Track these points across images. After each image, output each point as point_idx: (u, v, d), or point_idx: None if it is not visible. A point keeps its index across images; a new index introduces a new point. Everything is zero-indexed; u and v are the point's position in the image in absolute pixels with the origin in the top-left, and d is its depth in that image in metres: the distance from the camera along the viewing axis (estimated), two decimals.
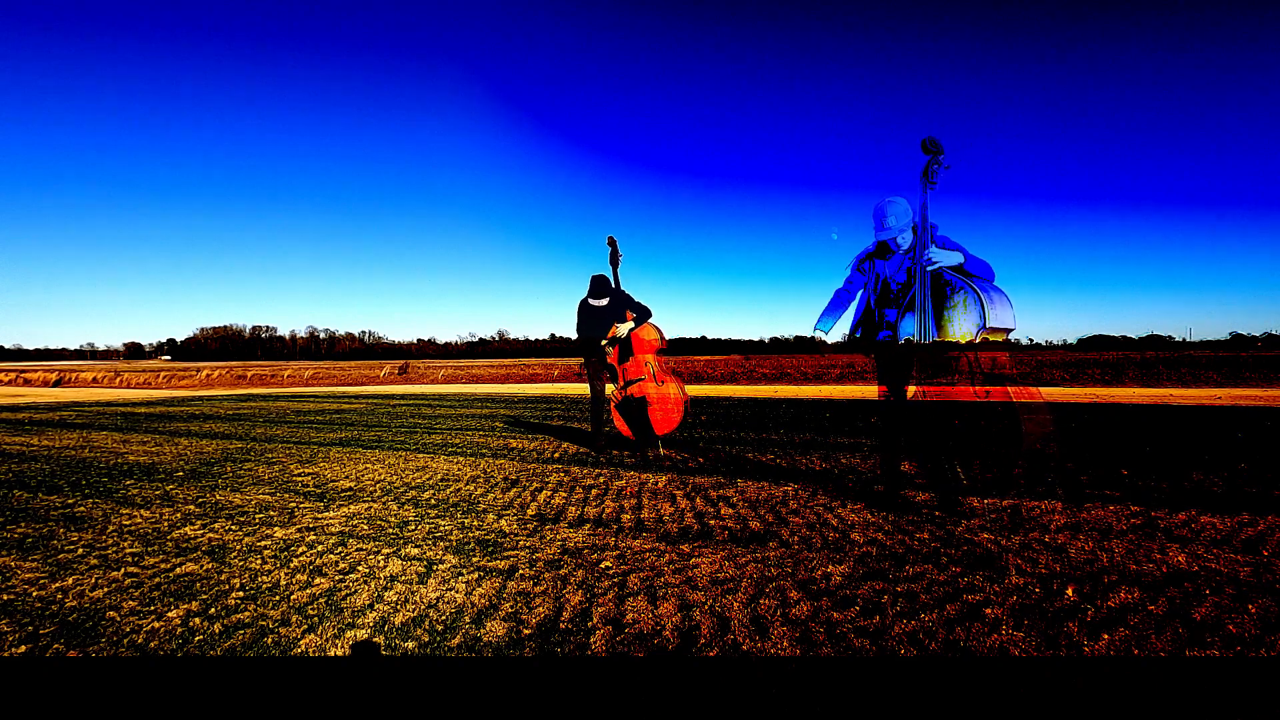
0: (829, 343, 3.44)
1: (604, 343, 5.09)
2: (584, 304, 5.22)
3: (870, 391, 13.79)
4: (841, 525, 2.95)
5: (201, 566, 2.56)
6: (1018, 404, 2.82)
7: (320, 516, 3.31)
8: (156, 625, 2.01)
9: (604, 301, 5.11)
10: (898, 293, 3.18)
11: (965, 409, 2.98)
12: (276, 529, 3.08)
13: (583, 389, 16.22)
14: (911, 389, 3.15)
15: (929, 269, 3.00)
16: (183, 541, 2.90)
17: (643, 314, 5.12)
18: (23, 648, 1.88)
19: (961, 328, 2.93)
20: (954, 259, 2.98)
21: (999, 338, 2.95)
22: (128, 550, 2.79)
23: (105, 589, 2.33)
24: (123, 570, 2.53)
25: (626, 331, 5.04)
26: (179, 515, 3.38)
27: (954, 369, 3.01)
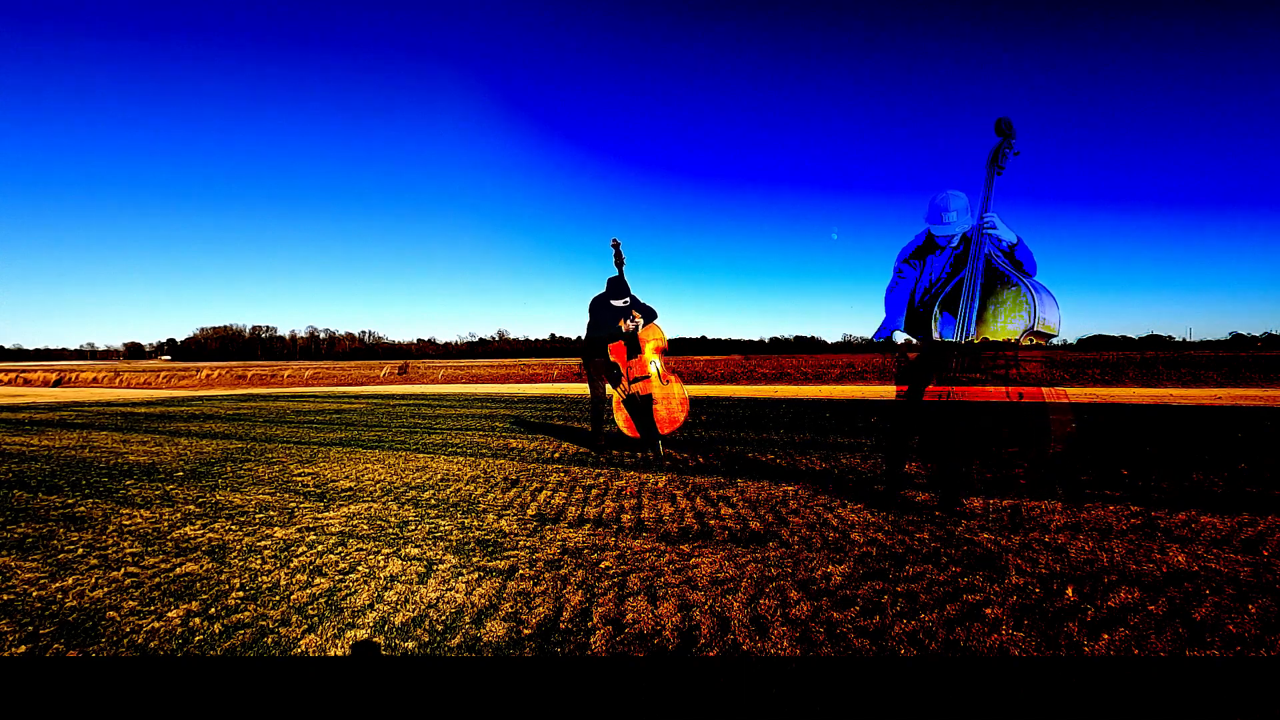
0: (902, 343, 3.21)
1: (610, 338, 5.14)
2: (599, 303, 5.27)
3: (870, 392, 13.79)
4: (841, 525, 2.95)
5: (201, 566, 2.56)
6: (1048, 405, 2.75)
7: (320, 516, 3.31)
8: (156, 625, 2.01)
9: (624, 301, 5.19)
10: (937, 289, 3.07)
11: (970, 409, 2.96)
12: (276, 529, 3.08)
13: (583, 389, 16.22)
14: (930, 389, 3.04)
15: (989, 233, 2.86)
16: (183, 541, 2.90)
17: (649, 314, 5.21)
18: (23, 648, 1.88)
19: (1007, 325, 2.81)
20: (1010, 235, 2.89)
21: (1043, 340, 2.84)
22: (128, 550, 2.78)
23: (105, 589, 2.33)
24: (123, 570, 2.53)
25: (633, 331, 5.08)
26: (179, 515, 3.38)
27: (985, 369, 2.92)
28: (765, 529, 2.93)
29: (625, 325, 5.09)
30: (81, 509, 3.55)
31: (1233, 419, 6.87)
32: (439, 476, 4.34)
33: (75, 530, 3.12)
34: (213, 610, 2.12)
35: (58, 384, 31.58)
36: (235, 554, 2.71)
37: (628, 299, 5.19)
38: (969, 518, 3.00)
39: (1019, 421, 2.79)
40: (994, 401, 2.91)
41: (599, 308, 5.25)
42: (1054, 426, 2.74)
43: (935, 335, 3.03)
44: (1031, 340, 2.81)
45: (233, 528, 3.12)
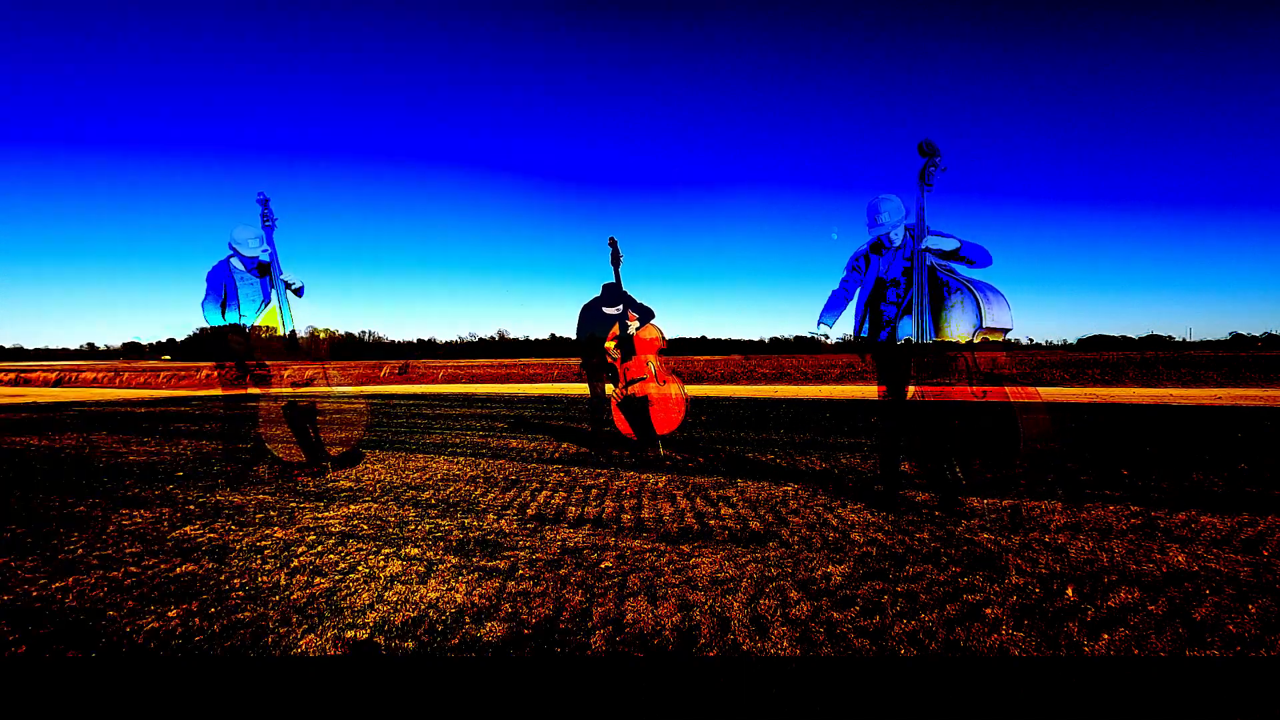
0: (830, 340, 3.50)
1: (607, 343, 5.15)
2: (590, 308, 5.27)
3: (870, 391, 13.79)
4: (841, 525, 2.95)
5: (201, 566, 2.55)
6: (1015, 403, 2.84)
7: (320, 516, 3.31)
8: (156, 625, 2.01)
9: (617, 309, 5.17)
10: (895, 291, 3.21)
11: (965, 409, 2.99)
12: (276, 529, 3.08)
13: (583, 389, 16.21)
14: (911, 389, 3.17)
15: (925, 254, 3.06)
16: (183, 541, 2.90)
17: (645, 315, 5.19)
18: (23, 648, 1.88)
19: (958, 328, 2.97)
20: (949, 244, 3.05)
21: (996, 338, 2.99)
22: (128, 550, 2.78)
23: (105, 589, 2.33)
24: (123, 570, 2.52)
25: (630, 331, 5.08)
26: (179, 515, 3.38)
27: (952, 369, 3.04)
28: (765, 529, 2.93)
29: (618, 329, 5.10)
30: (81, 509, 3.55)
31: (1233, 419, 6.87)
32: (439, 476, 4.34)
33: (75, 530, 3.12)
34: (213, 610, 2.12)
35: (58, 384, 31.58)
36: (235, 554, 2.71)
37: (621, 305, 5.19)
38: (969, 518, 3.00)
39: (1007, 421, 2.85)
40: (986, 401, 2.94)
41: (590, 316, 5.26)
42: (1026, 425, 2.82)
43: (891, 335, 3.20)
44: (985, 339, 2.95)
45: (233, 528, 3.12)
